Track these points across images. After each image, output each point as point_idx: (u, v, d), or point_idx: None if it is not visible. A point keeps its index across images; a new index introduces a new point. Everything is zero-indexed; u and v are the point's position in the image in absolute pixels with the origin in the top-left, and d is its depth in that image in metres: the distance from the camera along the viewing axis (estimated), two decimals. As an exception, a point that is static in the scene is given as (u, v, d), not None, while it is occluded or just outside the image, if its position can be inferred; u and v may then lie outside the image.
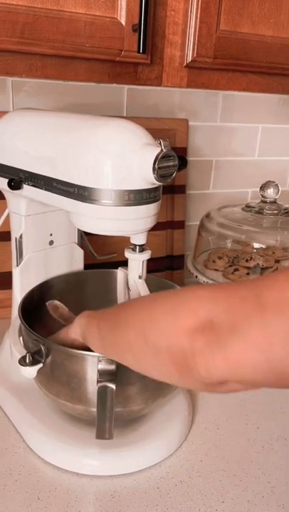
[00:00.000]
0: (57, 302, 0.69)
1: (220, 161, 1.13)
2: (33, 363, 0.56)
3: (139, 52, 0.62)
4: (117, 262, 0.74)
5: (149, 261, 0.63)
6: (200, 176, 1.12)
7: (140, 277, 0.62)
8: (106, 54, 0.62)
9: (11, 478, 0.57)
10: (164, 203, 1.05)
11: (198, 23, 0.66)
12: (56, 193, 0.58)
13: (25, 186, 0.62)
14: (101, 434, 0.53)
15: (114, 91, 0.95)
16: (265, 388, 0.80)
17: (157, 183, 0.53)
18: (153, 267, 0.98)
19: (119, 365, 0.53)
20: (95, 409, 0.53)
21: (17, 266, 0.69)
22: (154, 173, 0.51)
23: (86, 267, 0.78)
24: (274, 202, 0.93)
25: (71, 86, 0.90)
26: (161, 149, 0.51)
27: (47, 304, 0.68)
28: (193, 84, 0.71)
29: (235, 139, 1.13)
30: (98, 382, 0.52)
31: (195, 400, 0.73)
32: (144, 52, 0.62)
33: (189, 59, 0.68)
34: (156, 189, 0.56)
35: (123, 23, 0.61)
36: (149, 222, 0.58)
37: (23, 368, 0.56)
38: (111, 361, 0.53)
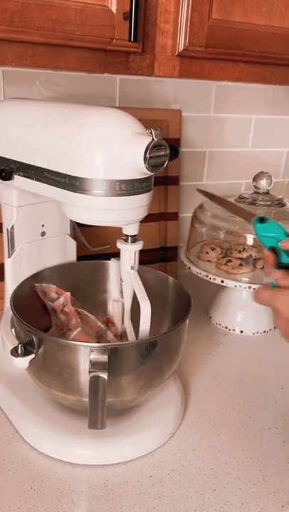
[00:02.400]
0: (45, 285, 0.69)
1: (213, 152, 1.12)
2: (25, 353, 0.56)
3: (130, 40, 0.61)
4: (111, 254, 0.74)
5: (142, 252, 0.63)
6: (193, 167, 1.11)
7: (132, 268, 0.62)
8: (97, 42, 0.61)
9: (4, 468, 0.57)
10: (157, 194, 1.05)
11: (190, 12, 0.65)
12: (47, 184, 0.57)
13: (16, 177, 0.62)
14: (93, 424, 0.54)
15: (106, 81, 0.94)
16: (256, 378, 0.80)
17: (149, 173, 0.53)
18: (146, 258, 0.98)
19: (111, 356, 0.53)
20: (87, 400, 0.53)
21: (9, 257, 0.69)
22: (145, 162, 0.51)
23: (79, 258, 0.77)
24: (267, 193, 0.93)
25: (63, 76, 0.89)
26: (152, 139, 0.51)
27: (36, 285, 0.68)
28: (185, 74, 0.70)
29: (228, 129, 1.12)
30: (90, 372, 0.52)
31: (188, 389, 0.73)
32: (135, 40, 0.61)
33: (181, 48, 0.67)
34: (148, 179, 0.55)
35: (114, 10, 0.60)
36: (141, 213, 0.57)
37: (15, 358, 0.56)
38: (103, 351, 0.53)
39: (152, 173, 0.53)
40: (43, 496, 0.54)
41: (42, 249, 0.72)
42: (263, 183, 0.92)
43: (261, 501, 0.55)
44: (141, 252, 0.63)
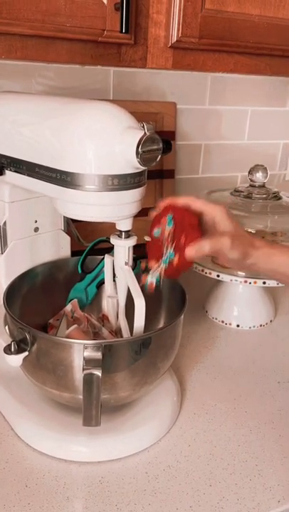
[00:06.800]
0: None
1: (209, 144, 1.11)
2: (19, 351, 0.55)
3: (122, 32, 0.60)
4: (105, 249, 0.73)
5: (137, 247, 0.62)
6: (189, 160, 1.10)
7: (126, 264, 0.62)
8: (88, 34, 0.60)
9: (-1, 466, 0.57)
10: (152, 188, 1.04)
11: (182, 2, 0.64)
12: (39, 179, 0.56)
13: (7, 172, 0.61)
14: (88, 422, 0.53)
15: (99, 74, 0.93)
16: (253, 372, 0.80)
17: (141, 168, 0.52)
18: (142, 253, 0.97)
19: (105, 353, 0.52)
20: (81, 397, 0.53)
21: (1, 253, 0.68)
22: (137, 157, 0.50)
23: (73, 253, 0.77)
24: (262, 186, 0.92)
25: (56, 69, 0.88)
26: (145, 132, 0.50)
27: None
28: (179, 66, 0.69)
29: (224, 122, 1.11)
30: (84, 369, 0.51)
31: (184, 384, 0.73)
32: (126, 32, 0.60)
33: (174, 39, 0.66)
34: (140, 174, 0.55)
35: (105, 1, 0.59)
36: (135, 208, 0.57)
37: (8, 356, 0.55)
38: (97, 348, 0.52)
39: (145, 168, 0.53)
40: (38, 493, 0.54)
41: (35, 245, 0.71)
42: (259, 176, 0.91)
43: (257, 496, 0.55)
44: (136, 246, 0.62)
